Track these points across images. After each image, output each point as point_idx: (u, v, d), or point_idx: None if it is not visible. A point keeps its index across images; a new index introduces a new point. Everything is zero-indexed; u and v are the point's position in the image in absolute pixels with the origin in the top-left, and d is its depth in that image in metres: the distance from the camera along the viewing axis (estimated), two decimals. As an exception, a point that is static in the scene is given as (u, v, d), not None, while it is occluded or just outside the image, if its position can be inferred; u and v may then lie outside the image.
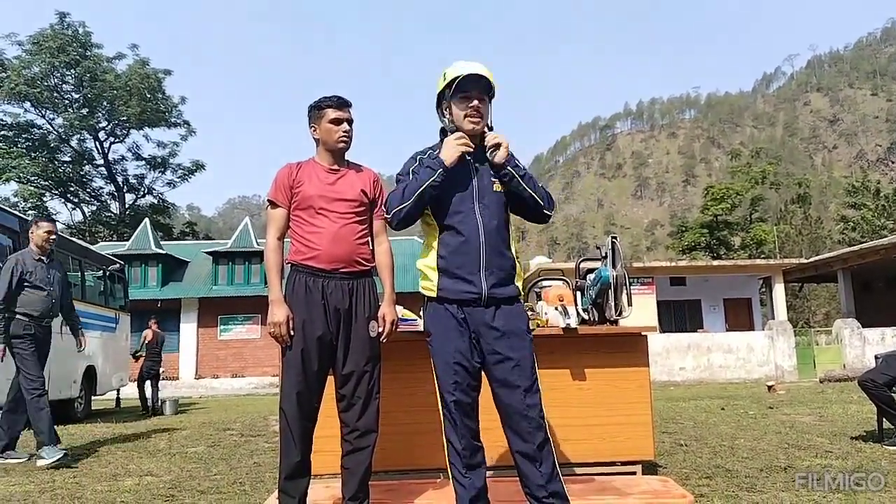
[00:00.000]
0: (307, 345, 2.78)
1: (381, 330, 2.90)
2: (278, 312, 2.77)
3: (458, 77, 2.54)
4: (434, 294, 2.62)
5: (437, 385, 2.62)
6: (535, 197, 2.64)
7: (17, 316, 5.08)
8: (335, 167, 2.95)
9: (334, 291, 2.83)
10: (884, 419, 5.07)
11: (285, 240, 2.97)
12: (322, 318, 2.80)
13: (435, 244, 2.65)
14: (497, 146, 2.57)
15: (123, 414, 11.50)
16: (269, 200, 2.96)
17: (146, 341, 12.31)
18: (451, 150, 2.55)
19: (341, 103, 2.92)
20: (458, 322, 2.56)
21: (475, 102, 2.58)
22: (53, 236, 5.39)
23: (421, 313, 2.93)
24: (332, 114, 2.90)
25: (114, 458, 5.21)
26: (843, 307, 23.78)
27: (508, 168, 2.58)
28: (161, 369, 12.67)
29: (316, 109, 2.94)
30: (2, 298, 5.02)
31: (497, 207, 2.62)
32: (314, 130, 2.96)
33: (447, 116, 2.66)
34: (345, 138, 2.92)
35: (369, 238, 2.97)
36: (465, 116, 2.58)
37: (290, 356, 2.80)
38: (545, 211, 2.68)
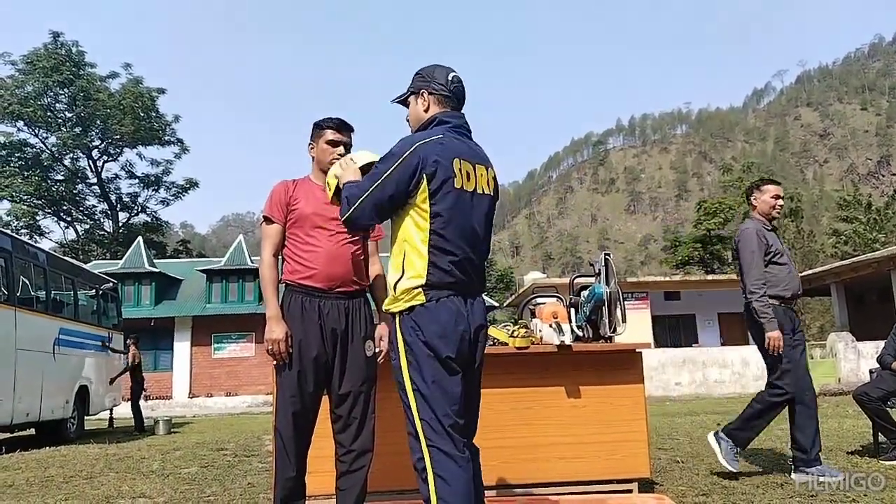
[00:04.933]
0: (303, 365, 2.77)
1: (377, 350, 2.90)
2: (276, 329, 2.75)
3: None
4: None
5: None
6: None
7: (769, 298, 4.16)
8: None
9: (331, 311, 2.82)
10: (879, 434, 5.08)
11: (279, 258, 2.97)
12: (318, 339, 2.79)
13: None
14: None
15: (117, 434, 11.38)
16: (264, 217, 2.95)
17: (136, 362, 12.19)
18: None
19: (341, 126, 2.95)
20: None
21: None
22: (781, 202, 4.47)
23: None
24: (330, 135, 2.93)
25: (106, 479, 5.15)
26: (837, 320, 23.84)
27: None
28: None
29: (317, 128, 2.97)
30: (757, 278, 4.15)
31: None
32: (312, 148, 2.99)
33: None
34: (337, 160, 2.94)
35: (363, 258, 2.98)
36: None
37: (285, 376, 2.79)
38: None
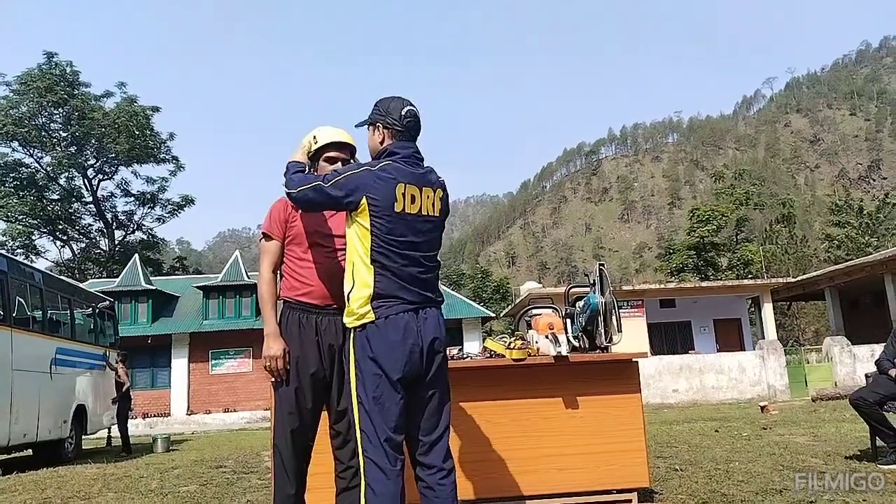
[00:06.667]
0: (301, 382, 2.78)
1: None
2: (274, 346, 2.76)
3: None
4: None
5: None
6: None
7: None
8: None
9: (328, 328, 2.83)
10: (877, 438, 5.09)
11: (277, 274, 2.99)
12: (316, 355, 2.80)
13: None
14: None
15: (115, 453, 11.33)
16: (263, 233, 2.97)
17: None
18: None
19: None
20: None
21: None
22: None
23: None
24: (329, 151, 2.91)
25: (105, 499, 5.14)
26: (831, 324, 23.92)
27: None
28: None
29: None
30: None
31: None
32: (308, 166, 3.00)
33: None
34: None
35: None
36: None
37: (283, 393, 2.79)
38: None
